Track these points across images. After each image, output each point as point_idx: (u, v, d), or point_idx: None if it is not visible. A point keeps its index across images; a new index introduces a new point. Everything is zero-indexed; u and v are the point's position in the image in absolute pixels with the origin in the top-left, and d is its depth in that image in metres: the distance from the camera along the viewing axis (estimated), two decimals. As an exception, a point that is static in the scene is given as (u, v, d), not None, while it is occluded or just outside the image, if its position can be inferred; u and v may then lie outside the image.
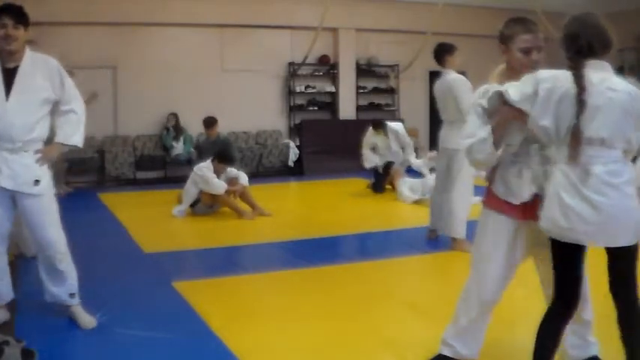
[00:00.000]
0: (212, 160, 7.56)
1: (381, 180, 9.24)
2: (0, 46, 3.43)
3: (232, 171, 7.69)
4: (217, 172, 7.52)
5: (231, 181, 7.62)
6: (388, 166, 9.14)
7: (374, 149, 9.28)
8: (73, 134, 3.72)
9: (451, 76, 5.72)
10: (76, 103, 3.72)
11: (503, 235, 2.81)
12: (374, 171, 9.33)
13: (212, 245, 6.22)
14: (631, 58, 11.97)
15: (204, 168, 7.49)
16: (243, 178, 7.71)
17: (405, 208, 8.17)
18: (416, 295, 4.53)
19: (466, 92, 5.61)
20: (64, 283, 3.74)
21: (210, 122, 8.83)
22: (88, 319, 3.78)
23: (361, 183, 9.85)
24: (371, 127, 9.36)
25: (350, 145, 9.71)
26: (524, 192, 2.73)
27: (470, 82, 5.64)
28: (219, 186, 7.42)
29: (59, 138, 3.71)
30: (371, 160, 9.26)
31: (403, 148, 9.30)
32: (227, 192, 7.56)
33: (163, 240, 6.33)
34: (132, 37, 11.03)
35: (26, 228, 3.88)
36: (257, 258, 5.78)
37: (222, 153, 7.67)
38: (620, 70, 10.45)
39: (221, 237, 6.66)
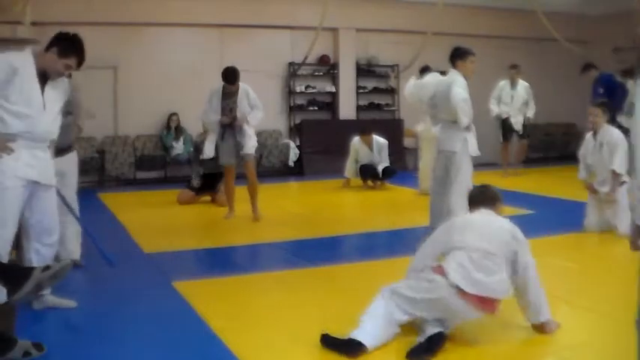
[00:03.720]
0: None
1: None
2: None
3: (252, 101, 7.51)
4: (229, 96, 7.40)
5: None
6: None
7: (356, 159, 9.80)
8: None
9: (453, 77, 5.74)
10: None
11: None
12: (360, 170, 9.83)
13: (212, 245, 6.22)
14: (631, 58, 11.96)
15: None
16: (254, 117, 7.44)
17: (405, 208, 8.16)
18: (416, 295, 4.52)
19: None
20: None
21: None
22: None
23: (361, 183, 9.87)
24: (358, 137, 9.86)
25: (350, 145, 9.78)
26: None
27: (470, 81, 5.68)
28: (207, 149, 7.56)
29: None
30: (351, 172, 9.85)
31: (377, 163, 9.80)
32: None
33: (163, 240, 6.33)
34: (132, 37, 11.02)
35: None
36: (257, 258, 5.78)
37: (223, 74, 7.49)
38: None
39: (221, 237, 6.66)
